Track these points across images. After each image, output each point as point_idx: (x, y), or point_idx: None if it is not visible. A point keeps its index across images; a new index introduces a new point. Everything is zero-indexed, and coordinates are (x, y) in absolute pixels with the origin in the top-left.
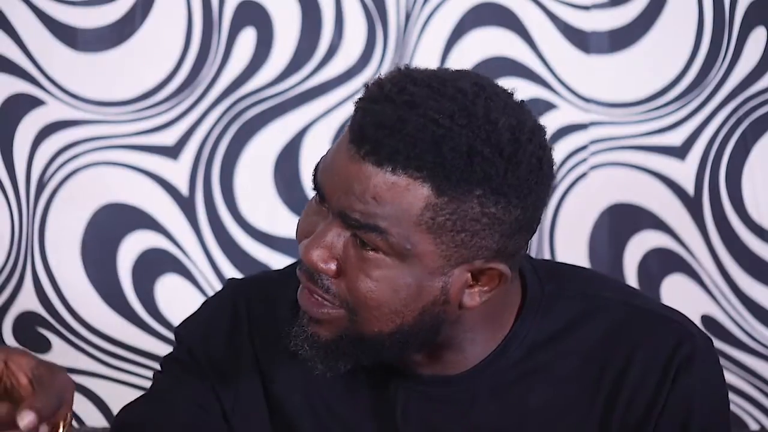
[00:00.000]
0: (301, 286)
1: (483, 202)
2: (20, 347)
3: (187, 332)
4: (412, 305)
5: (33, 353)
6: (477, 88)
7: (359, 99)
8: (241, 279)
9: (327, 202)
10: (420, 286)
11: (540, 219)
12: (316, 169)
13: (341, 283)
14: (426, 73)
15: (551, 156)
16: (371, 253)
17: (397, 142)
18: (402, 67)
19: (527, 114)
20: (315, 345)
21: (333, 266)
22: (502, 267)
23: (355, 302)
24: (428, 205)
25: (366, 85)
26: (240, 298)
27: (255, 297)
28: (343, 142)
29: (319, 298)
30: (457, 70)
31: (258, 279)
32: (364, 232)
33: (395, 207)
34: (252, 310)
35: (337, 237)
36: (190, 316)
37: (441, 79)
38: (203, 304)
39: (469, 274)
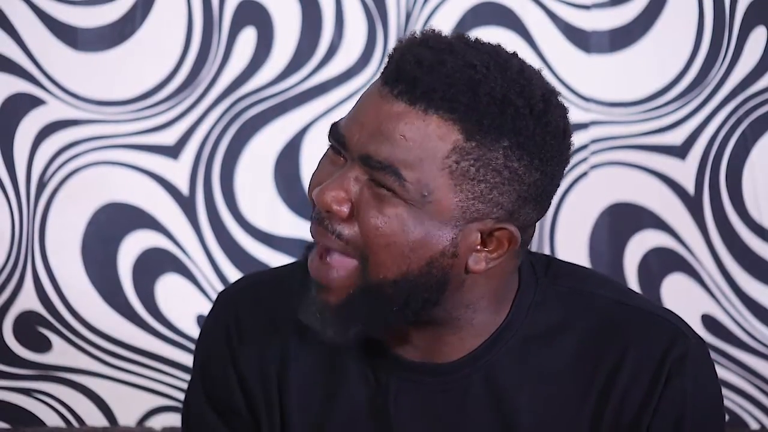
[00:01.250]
0: (311, 254)
1: (508, 155)
2: None
3: (195, 382)
4: (420, 252)
5: None
6: (510, 53)
7: (395, 46)
8: (230, 292)
9: (348, 148)
10: (429, 234)
11: (551, 200)
12: (334, 125)
13: (353, 227)
14: (460, 34)
15: (571, 133)
16: (388, 192)
17: (434, 81)
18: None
19: (554, 89)
20: (325, 311)
21: (345, 209)
22: (513, 228)
23: (366, 243)
24: (455, 148)
25: (400, 40)
26: (231, 314)
27: (246, 306)
28: (373, 89)
29: (331, 254)
30: None
31: (248, 286)
32: (383, 175)
33: (422, 149)
34: (243, 325)
35: (354, 182)
36: (194, 355)
37: (476, 40)
38: (200, 334)
39: (479, 235)
